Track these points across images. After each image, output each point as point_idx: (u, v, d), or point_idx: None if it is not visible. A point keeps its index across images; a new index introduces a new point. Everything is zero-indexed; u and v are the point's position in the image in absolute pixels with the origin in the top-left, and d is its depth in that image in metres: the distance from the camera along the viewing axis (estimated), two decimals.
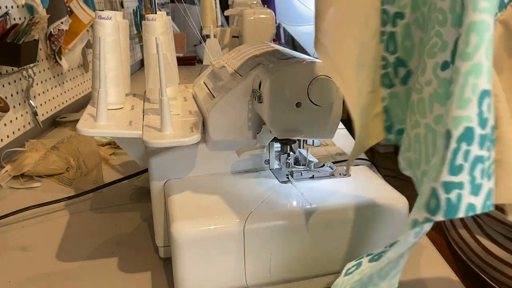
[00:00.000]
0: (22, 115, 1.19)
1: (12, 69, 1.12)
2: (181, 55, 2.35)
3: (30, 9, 1.22)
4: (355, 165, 0.68)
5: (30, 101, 1.20)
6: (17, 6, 1.17)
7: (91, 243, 0.72)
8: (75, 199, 0.84)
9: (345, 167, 0.65)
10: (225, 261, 0.52)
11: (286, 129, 0.56)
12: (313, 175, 0.62)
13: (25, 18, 1.20)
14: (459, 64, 0.32)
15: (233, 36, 1.57)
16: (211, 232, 0.51)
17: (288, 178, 0.61)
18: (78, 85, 1.62)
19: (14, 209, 0.79)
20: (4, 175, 0.96)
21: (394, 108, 0.50)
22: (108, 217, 0.80)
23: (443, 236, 0.80)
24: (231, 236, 0.52)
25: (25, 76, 1.19)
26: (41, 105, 1.31)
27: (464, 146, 0.32)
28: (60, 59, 1.38)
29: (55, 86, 1.42)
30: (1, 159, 1.01)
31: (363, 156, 0.99)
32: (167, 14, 0.74)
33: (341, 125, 1.19)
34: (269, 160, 0.64)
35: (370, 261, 0.42)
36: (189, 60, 2.36)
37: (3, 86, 1.10)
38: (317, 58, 0.57)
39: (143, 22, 0.69)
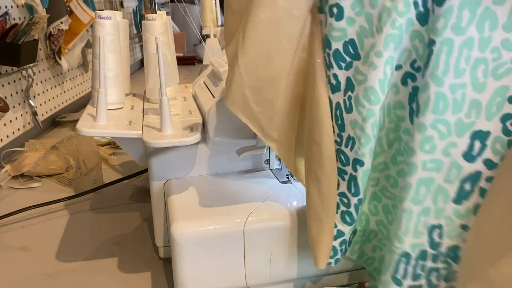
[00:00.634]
0: (22, 115, 1.19)
1: (12, 69, 1.12)
2: (181, 55, 2.35)
3: (30, 9, 1.22)
4: None
5: (30, 101, 1.20)
6: (17, 6, 1.17)
7: (91, 243, 0.72)
8: (75, 199, 0.84)
9: None
10: (225, 261, 0.52)
11: None
12: None
13: (25, 18, 1.20)
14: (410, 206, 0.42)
15: None
16: (211, 232, 0.51)
17: (288, 178, 0.61)
18: (78, 85, 1.62)
19: (14, 209, 0.79)
20: (4, 175, 0.96)
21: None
22: (108, 217, 0.80)
23: None
24: (231, 236, 0.52)
25: (25, 76, 1.19)
26: (40, 105, 1.31)
27: (420, 262, 0.44)
28: (60, 59, 1.38)
29: (55, 86, 1.42)
30: (1, 159, 1.01)
31: None
32: (167, 14, 0.74)
33: None
34: (269, 160, 0.64)
35: None
36: (189, 60, 2.36)
37: (3, 86, 1.10)
38: None
39: (143, 22, 0.69)
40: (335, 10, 0.40)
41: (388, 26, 0.38)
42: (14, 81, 1.15)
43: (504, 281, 0.36)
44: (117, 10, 0.78)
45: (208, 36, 1.36)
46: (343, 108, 0.43)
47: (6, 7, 1.11)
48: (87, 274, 0.64)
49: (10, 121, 1.13)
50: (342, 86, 0.42)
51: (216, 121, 0.59)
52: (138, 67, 2.34)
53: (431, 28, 0.37)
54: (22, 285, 0.62)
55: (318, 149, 0.45)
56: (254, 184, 0.60)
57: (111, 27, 0.65)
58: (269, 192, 0.58)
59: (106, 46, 0.64)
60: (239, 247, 0.52)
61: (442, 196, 0.41)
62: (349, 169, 0.44)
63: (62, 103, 1.47)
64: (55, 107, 1.41)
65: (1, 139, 1.08)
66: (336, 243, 0.48)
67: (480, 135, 0.39)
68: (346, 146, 0.44)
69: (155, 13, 0.71)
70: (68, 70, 1.49)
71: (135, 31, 2.30)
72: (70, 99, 1.54)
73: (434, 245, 0.43)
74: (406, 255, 0.44)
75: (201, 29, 1.54)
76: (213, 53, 1.31)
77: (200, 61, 2.37)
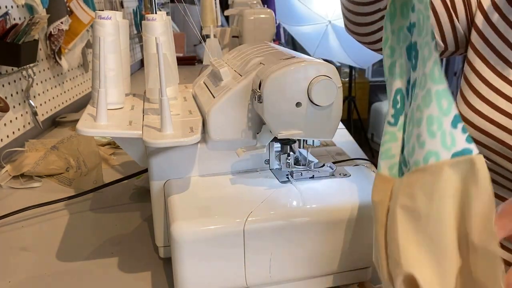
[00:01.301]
0: (22, 115, 1.19)
1: (12, 69, 1.12)
2: (181, 55, 2.35)
3: (30, 9, 1.22)
4: (355, 165, 0.68)
5: (30, 101, 1.20)
6: (17, 6, 1.17)
7: (91, 243, 0.72)
8: (75, 199, 0.84)
9: (345, 167, 0.65)
10: (225, 261, 0.52)
11: (286, 129, 0.56)
12: (313, 175, 0.62)
13: (25, 18, 1.20)
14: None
15: (233, 36, 1.57)
16: (211, 232, 0.51)
17: (288, 178, 0.61)
18: (78, 85, 1.62)
19: (14, 209, 0.79)
20: (4, 175, 0.96)
21: None
22: (108, 217, 0.80)
23: None
24: (231, 236, 0.52)
25: (25, 76, 1.19)
26: (41, 105, 1.31)
27: None
28: (60, 59, 1.38)
29: (55, 86, 1.42)
30: (1, 159, 1.01)
31: (363, 156, 0.99)
32: (167, 14, 0.74)
33: (341, 125, 1.19)
34: (269, 160, 0.64)
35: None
36: (189, 60, 2.36)
37: (3, 86, 1.10)
38: (317, 58, 0.57)
39: (143, 22, 0.69)
40: None
41: None
42: (14, 81, 1.15)
43: None
44: (117, 10, 0.78)
45: (208, 36, 1.36)
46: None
47: (6, 7, 1.11)
48: (87, 274, 0.64)
49: (10, 121, 1.13)
50: None
51: (216, 121, 0.59)
52: (138, 67, 2.34)
53: None
54: (22, 285, 0.62)
55: None
56: (254, 184, 0.60)
57: (111, 27, 0.65)
58: (269, 192, 0.58)
59: (106, 46, 0.64)
60: (239, 247, 0.52)
61: None
62: None
63: (62, 103, 1.47)
64: (55, 107, 1.41)
65: (1, 139, 1.08)
66: None
67: None
68: None
69: (155, 13, 0.71)
70: (68, 70, 1.49)
71: (135, 31, 2.30)
72: (70, 99, 1.54)
73: None
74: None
75: (201, 29, 1.54)
76: (213, 53, 1.31)
77: (200, 61, 2.37)
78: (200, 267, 0.52)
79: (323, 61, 0.55)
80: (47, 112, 1.35)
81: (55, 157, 0.98)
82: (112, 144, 1.13)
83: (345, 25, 0.79)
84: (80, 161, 0.98)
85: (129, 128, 0.59)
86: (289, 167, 0.63)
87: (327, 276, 0.57)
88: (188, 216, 0.53)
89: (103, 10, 0.66)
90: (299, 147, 0.65)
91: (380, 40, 0.75)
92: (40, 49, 1.30)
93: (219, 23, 1.60)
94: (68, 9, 1.40)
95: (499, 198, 0.69)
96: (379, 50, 0.78)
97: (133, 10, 2.32)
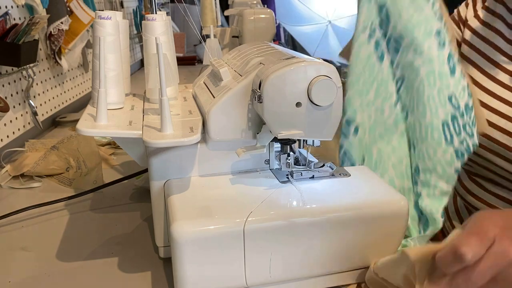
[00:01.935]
0: (22, 115, 1.19)
1: (12, 69, 1.12)
2: (181, 55, 2.35)
3: (30, 9, 1.22)
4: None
5: (30, 101, 1.20)
6: (17, 6, 1.17)
7: (91, 243, 0.72)
8: (75, 199, 0.84)
9: (345, 167, 0.65)
10: (225, 261, 0.52)
11: (286, 129, 0.56)
12: (313, 175, 0.62)
13: (25, 18, 1.20)
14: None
15: (233, 36, 1.57)
16: (211, 232, 0.51)
17: (288, 178, 0.61)
18: (78, 85, 1.62)
19: (14, 209, 0.79)
20: (4, 175, 0.96)
21: None
22: (108, 217, 0.80)
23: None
24: (231, 236, 0.52)
25: (25, 76, 1.19)
26: (41, 105, 1.31)
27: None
28: (60, 59, 1.38)
29: (55, 86, 1.42)
30: (1, 159, 1.01)
31: None
32: (167, 14, 0.74)
33: None
34: (269, 160, 0.64)
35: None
36: (189, 60, 2.36)
37: (3, 86, 1.10)
38: (317, 58, 0.57)
39: (143, 22, 0.69)
40: None
41: None
42: (14, 81, 1.15)
43: None
44: (117, 10, 0.78)
45: (208, 36, 1.36)
46: None
47: (6, 7, 1.12)
48: (87, 274, 0.64)
49: (10, 121, 1.13)
50: None
51: (216, 121, 0.59)
52: (138, 67, 2.34)
53: None
54: (22, 285, 0.62)
55: None
56: (254, 184, 0.60)
57: (111, 27, 0.65)
58: (269, 192, 0.58)
59: (106, 46, 0.64)
60: (239, 247, 0.52)
61: None
62: None
63: (62, 103, 1.47)
64: (55, 107, 1.42)
65: (1, 139, 1.08)
66: None
67: None
68: None
69: (155, 13, 0.71)
70: (68, 70, 1.49)
71: (135, 31, 2.30)
72: (70, 99, 1.54)
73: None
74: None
75: (201, 29, 1.54)
76: (213, 53, 1.31)
77: (200, 61, 2.37)
78: (200, 267, 0.52)
79: (323, 61, 0.55)
80: (47, 112, 1.35)
81: (55, 157, 0.98)
82: (112, 144, 1.13)
83: None
84: (80, 161, 0.98)
85: (129, 128, 0.59)
86: (289, 167, 0.63)
87: (327, 276, 0.57)
88: (188, 216, 0.53)
89: (103, 10, 0.66)
90: (299, 147, 0.65)
91: None
92: (40, 49, 1.30)
93: (219, 23, 1.61)
94: (68, 9, 1.40)
95: (501, 198, 0.69)
96: None
97: (133, 10, 2.32)
